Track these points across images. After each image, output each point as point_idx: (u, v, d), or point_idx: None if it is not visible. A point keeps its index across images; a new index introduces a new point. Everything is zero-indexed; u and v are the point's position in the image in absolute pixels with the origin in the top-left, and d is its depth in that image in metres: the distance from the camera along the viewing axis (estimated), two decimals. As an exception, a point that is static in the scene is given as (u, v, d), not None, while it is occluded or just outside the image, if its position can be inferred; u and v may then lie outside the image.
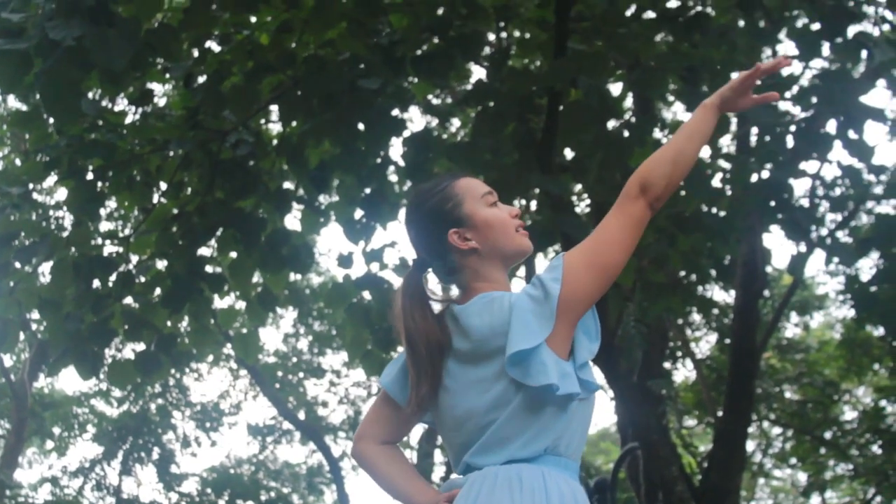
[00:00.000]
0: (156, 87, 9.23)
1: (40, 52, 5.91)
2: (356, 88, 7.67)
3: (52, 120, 7.82)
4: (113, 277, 8.66)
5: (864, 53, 7.46)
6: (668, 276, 9.97)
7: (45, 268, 8.96)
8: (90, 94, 8.31)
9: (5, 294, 8.57)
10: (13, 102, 9.42)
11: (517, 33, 9.43)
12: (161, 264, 9.03)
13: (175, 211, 8.89)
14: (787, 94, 8.49)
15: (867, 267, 13.76)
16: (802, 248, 10.08)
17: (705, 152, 10.46)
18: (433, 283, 2.89)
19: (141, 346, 8.83)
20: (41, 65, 5.95)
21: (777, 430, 20.74)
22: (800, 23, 9.20)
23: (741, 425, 11.98)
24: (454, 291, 2.86)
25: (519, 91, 7.80)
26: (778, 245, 49.01)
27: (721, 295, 16.35)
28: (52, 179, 9.95)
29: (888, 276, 9.71)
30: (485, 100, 8.12)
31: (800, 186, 19.10)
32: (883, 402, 18.03)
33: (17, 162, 11.53)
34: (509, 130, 8.11)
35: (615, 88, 10.23)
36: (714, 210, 9.01)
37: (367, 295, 9.26)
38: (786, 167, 8.65)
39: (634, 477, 12.02)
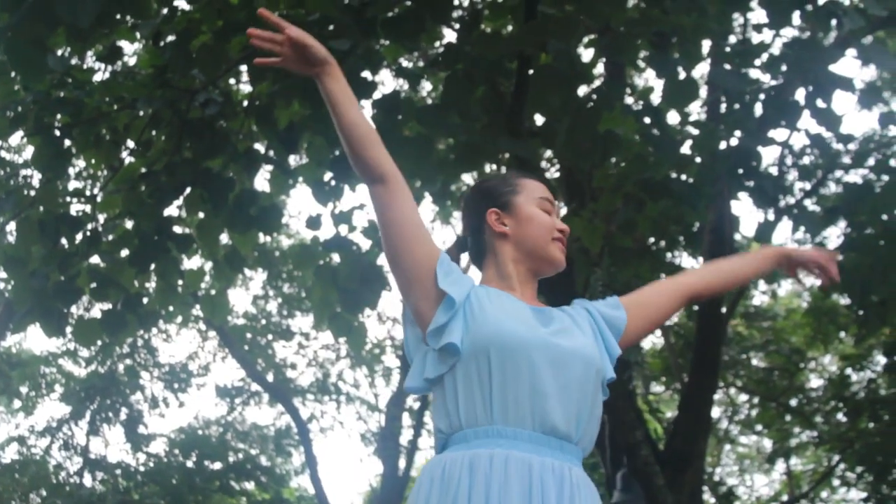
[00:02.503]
0: (124, 44, 9.15)
1: (5, 7, 5.87)
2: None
3: (18, 76, 7.76)
4: (80, 236, 8.62)
5: (833, 22, 7.46)
6: (636, 242, 10.00)
7: (11, 226, 8.91)
8: (59, 52, 8.24)
9: (-29, 252, 8.53)
10: (-21, 59, 9.33)
11: (489, -4, 9.40)
12: (128, 223, 8.99)
13: (143, 170, 8.84)
14: (757, 62, 8.50)
15: (834, 236, 13.84)
16: (770, 216, 10.14)
17: (674, 118, 10.48)
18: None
19: (108, 306, 8.80)
20: (6, 20, 5.90)
21: (743, 397, 20.87)
22: (771, -10, 9.21)
23: (707, 392, 12.05)
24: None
25: (489, 55, 7.78)
26: (746, 213, 49.08)
27: (689, 261, 16.38)
28: (19, 136, 9.89)
29: (855, 245, 9.77)
30: (455, 63, 8.09)
31: (768, 154, 19.18)
32: (848, 371, 18.14)
33: (-16, 119, 11.44)
34: (479, 94, 8.09)
35: (586, 54, 10.22)
36: (683, 177, 9.03)
37: (335, 257, 9.25)
38: (754, 135, 8.67)
39: (600, 441, 12.09)
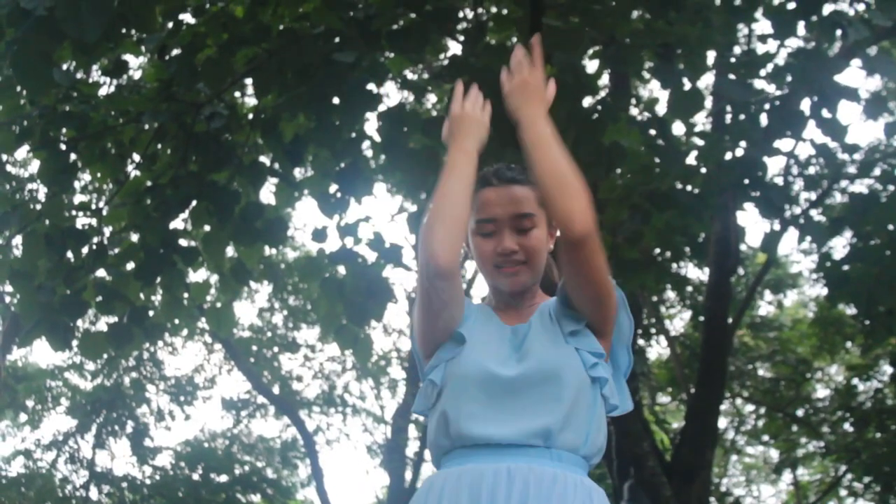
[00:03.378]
0: (130, 58, 9.17)
1: (12, 22, 5.87)
2: (331, 62, 7.64)
3: (24, 90, 7.77)
4: (86, 249, 8.62)
5: (838, 32, 7.47)
6: (642, 253, 9.99)
7: (18, 240, 8.92)
8: (64, 66, 8.25)
9: (-24, 266, 8.53)
10: (-15, 73, 9.35)
11: (493, 9, 9.40)
12: (134, 236, 8.99)
13: (148, 183, 8.84)
14: (762, 73, 8.50)
15: (840, 246, 13.82)
16: (776, 226, 10.14)
17: (679, 129, 10.48)
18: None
19: (113, 319, 8.80)
20: (13, 34, 5.91)
21: (749, 408, 20.87)
22: (775, 1, 9.21)
23: (714, 402, 12.05)
24: None
25: (494, 66, 7.77)
26: (752, 223, 49.11)
27: (695, 272, 16.41)
28: (24, 150, 9.90)
29: (861, 255, 9.76)
30: (460, 75, 8.09)
31: (774, 165, 19.21)
32: (855, 381, 18.14)
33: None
34: (484, 106, 8.07)
35: (591, 65, 10.22)
36: (688, 187, 9.02)
37: (341, 269, 9.24)
38: (760, 145, 8.67)
39: (607, 453, 12.06)
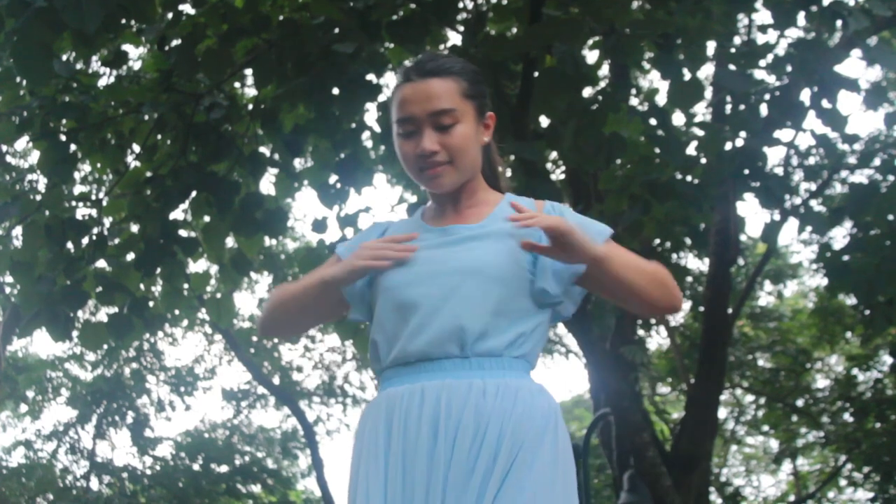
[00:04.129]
0: (129, 49, 9.17)
1: (11, 12, 5.87)
2: (331, 53, 7.63)
3: (24, 81, 7.77)
4: (86, 240, 8.62)
5: (838, 23, 7.47)
6: (642, 244, 10.00)
7: (18, 230, 8.92)
8: (64, 56, 8.24)
9: (-24, 257, 8.54)
10: (-15, 63, 9.35)
11: (493, -1, 9.41)
12: (134, 227, 8.99)
13: (148, 174, 8.84)
14: (762, 63, 8.49)
15: (840, 236, 13.84)
16: (776, 216, 10.13)
17: (679, 120, 10.48)
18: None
19: (114, 310, 8.80)
20: (12, 25, 5.90)
21: (749, 398, 20.89)
22: (775, -9, 9.21)
23: (713, 392, 12.06)
24: None
25: (494, 57, 7.78)
26: (752, 213, 49.06)
27: (695, 263, 16.40)
28: (24, 141, 9.89)
29: (861, 245, 9.77)
30: (460, 65, 8.09)
31: (774, 155, 19.23)
32: (854, 371, 18.18)
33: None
34: (484, 96, 8.08)
35: (591, 56, 10.22)
36: (688, 178, 9.03)
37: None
38: (760, 136, 8.66)
39: (607, 443, 12.09)
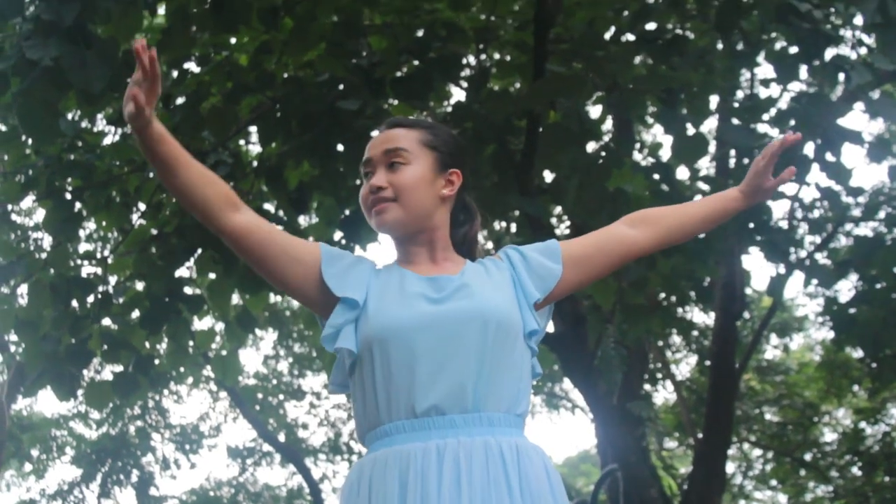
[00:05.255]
0: (135, 107, 9.19)
1: (18, 72, 5.89)
2: (335, 110, 7.66)
3: (30, 140, 7.80)
4: (91, 298, 8.63)
5: (841, 76, 7.49)
6: (647, 299, 9.98)
7: (23, 289, 8.93)
8: (70, 115, 8.28)
9: (-18, 315, 8.55)
10: (-9, 123, 9.40)
11: (496, 55, 9.44)
12: (139, 285, 9.00)
13: (153, 232, 8.86)
14: (765, 117, 8.52)
15: (846, 289, 13.81)
16: (781, 270, 10.13)
17: (683, 174, 10.50)
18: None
19: (119, 368, 8.79)
20: (18, 85, 5.93)
21: (757, 452, 20.77)
22: (778, 46, 9.23)
23: (721, 447, 12.00)
24: None
25: (498, 113, 7.81)
26: (757, 267, 49.17)
27: (701, 317, 16.38)
28: (30, 200, 9.92)
29: (866, 298, 9.76)
30: (464, 121, 8.12)
31: (778, 208, 19.20)
32: (862, 424, 18.08)
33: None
34: (489, 152, 8.11)
35: (594, 111, 10.25)
36: (693, 232, 9.01)
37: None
38: (764, 189, 8.66)
39: (615, 499, 12.01)
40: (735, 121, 8.54)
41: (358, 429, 2.55)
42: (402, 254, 2.71)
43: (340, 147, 8.06)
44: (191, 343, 9.55)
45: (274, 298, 11.32)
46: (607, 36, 8.36)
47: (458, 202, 2.77)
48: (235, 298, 9.43)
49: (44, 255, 8.94)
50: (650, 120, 10.05)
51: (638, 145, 11.50)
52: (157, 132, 2.54)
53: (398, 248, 2.71)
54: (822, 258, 12.54)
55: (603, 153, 8.03)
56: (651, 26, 8.31)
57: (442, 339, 2.43)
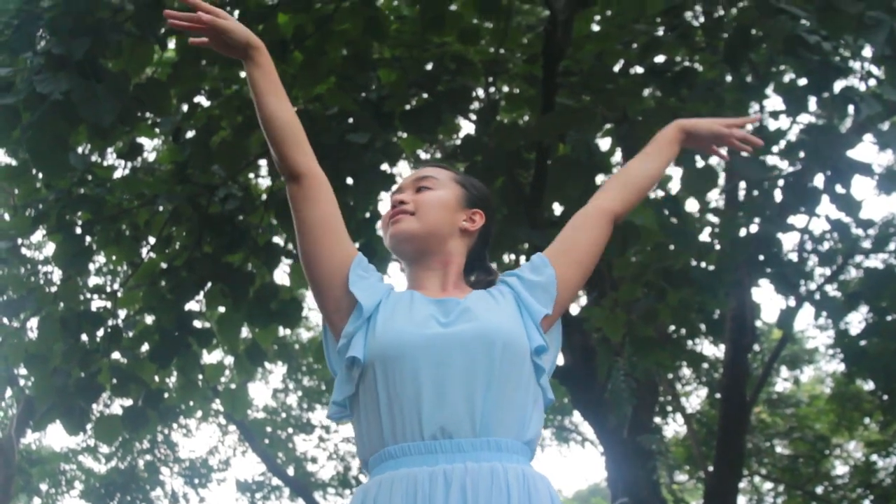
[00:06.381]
0: (144, 141, 9.24)
1: (28, 106, 5.91)
2: (345, 143, 7.68)
3: (40, 174, 7.81)
4: (101, 332, 8.63)
5: (850, 108, 7.48)
6: (657, 331, 9.96)
7: (33, 323, 8.93)
8: (80, 149, 8.31)
9: (-8, 349, 8.56)
10: (1, 157, 9.43)
11: (505, 88, 9.47)
12: (149, 319, 9.00)
13: (163, 265, 8.87)
14: (775, 149, 8.51)
15: (856, 321, 13.77)
16: (792, 302, 10.10)
17: (693, 206, 10.50)
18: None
19: (128, 402, 8.78)
20: (29, 118, 5.94)
21: (768, 485, 20.65)
22: (787, 78, 9.26)
23: (732, 480, 11.94)
24: None
25: (507, 146, 7.82)
26: (767, 299, 49.04)
27: (711, 349, 16.34)
28: (40, 234, 9.93)
29: (877, 330, 9.73)
30: (473, 154, 8.13)
31: (788, 241, 19.18)
32: (874, 457, 17.98)
33: (6, 216, 11.52)
34: (498, 185, 8.11)
35: (603, 143, 10.26)
36: (703, 264, 9.01)
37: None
38: (774, 221, 8.66)
39: (626, 533, 11.96)
40: (744, 153, 8.54)
41: (361, 450, 2.51)
42: (411, 280, 2.72)
43: (350, 180, 8.07)
44: (200, 376, 9.55)
45: (283, 332, 11.31)
46: (616, 68, 8.39)
47: (478, 252, 2.80)
48: (245, 332, 9.42)
49: (54, 289, 8.95)
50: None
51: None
52: (260, 58, 2.64)
53: (409, 272, 2.74)
54: (832, 290, 12.52)
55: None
56: (660, 59, 8.34)
57: (447, 361, 2.40)
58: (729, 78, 8.32)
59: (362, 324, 2.50)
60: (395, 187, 2.78)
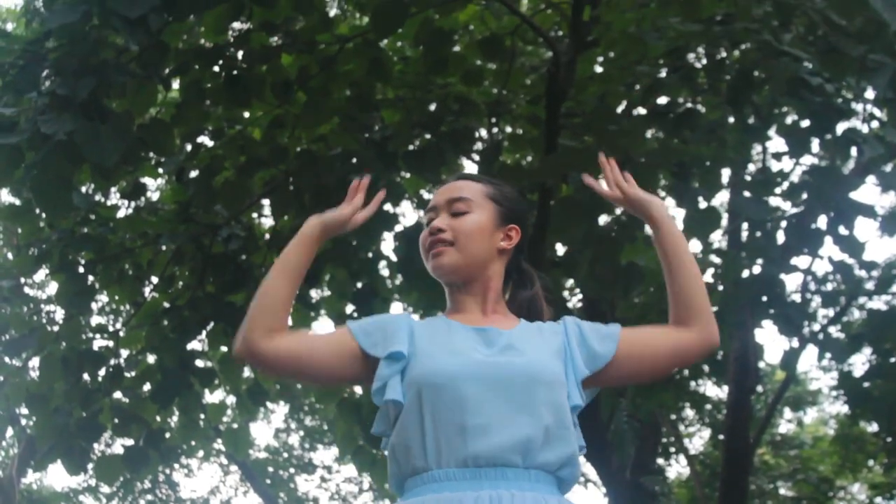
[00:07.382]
0: (148, 181, 9.25)
1: (32, 146, 5.92)
2: (348, 183, 7.66)
3: (43, 214, 7.82)
4: (102, 372, 8.61)
5: (853, 150, 7.50)
6: (660, 372, 9.93)
7: (34, 362, 8.92)
8: (83, 189, 8.32)
9: (-7, 388, 8.54)
10: (5, 196, 9.44)
11: (509, 129, 9.48)
12: (151, 358, 8.98)
13: (166, 305, 8.86)
14: (778, 190, 8.53)
15: (860, 363, 13.74)
16: (795, 343, 10.08)
17: (696, 247, 10.49)
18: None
19: (129, 441, 8.76)
20: (32, 158, 5.95)
21: (772, 528, 20.57)
22: (789, 119, 9.26)
23: (735, 522, 11.88)
24: None
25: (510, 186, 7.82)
26: (770, 340, 48.93)
27: (714, 390, 16.29)
28: (43, 273, 9.94)
29: (881, 372, 9.71)
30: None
31: (791, 282, 19.17)
32: (878, 499, 17.90)
33: (9, 255, 11.53)
34: (501, 225, 8.10)
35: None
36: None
37: (358, 390, 9.20)
38: (777, 263, 8.66)
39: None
40: (747, 194, 8.54)
41: (397, 473, 2.48)
42: (452, 303, 2.72)
43: (352, 220, 8.06)
44: (202, 416, 9.52)
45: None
46: (619, 110, 8.41)
47: (514, 261, 2.79)
48: (247, 371, 9.40)
49: (56, 328, 8.94)
50: (662, 193, 10.05)
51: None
52: (321, 244, 2.81)
53: (449, 296, 2.74)
54: (835, 332, 12.48)
55: (615, 227, 8.02)
56: (663, 100, 8.35)
57: (492, 391, 2.40)
58: (731, 119, 8.34)
59: (399, 368, 2.49)
60: (430, 203, 2.79)
